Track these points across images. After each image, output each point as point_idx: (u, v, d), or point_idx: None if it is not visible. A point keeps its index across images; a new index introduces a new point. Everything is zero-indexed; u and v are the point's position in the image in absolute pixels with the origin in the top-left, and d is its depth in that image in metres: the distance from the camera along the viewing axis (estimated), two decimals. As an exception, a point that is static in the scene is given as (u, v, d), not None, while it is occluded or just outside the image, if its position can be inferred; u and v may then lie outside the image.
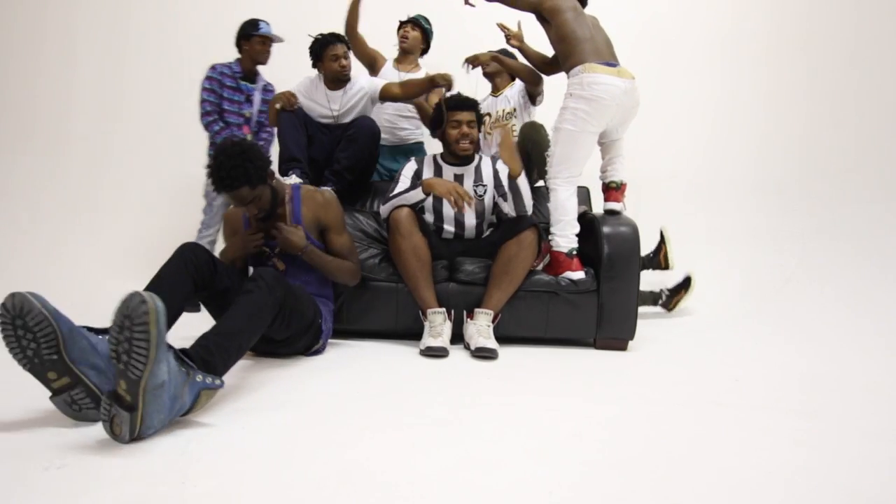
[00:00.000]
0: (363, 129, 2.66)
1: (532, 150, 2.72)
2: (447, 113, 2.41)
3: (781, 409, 1.57)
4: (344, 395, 1.53)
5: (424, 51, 3.30)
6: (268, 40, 2.99)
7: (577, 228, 2.38)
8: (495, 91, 3.10)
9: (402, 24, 3.23)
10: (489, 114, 3.05)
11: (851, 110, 3.77)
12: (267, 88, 3.15)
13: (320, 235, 2.03)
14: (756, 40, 3.84)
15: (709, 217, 3.72)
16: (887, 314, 3.02)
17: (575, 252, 2.35)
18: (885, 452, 1.26)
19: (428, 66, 3.23)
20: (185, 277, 1.60)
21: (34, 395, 1.36)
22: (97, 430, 1.17)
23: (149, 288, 1.52)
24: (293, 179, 2.55)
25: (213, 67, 2.99)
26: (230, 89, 2.99)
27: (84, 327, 1.25)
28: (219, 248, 2.89)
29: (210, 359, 1.28)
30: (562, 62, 2.42)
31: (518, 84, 2.99)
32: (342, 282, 2.09)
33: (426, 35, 3.26)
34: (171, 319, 1.52)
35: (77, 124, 3.92)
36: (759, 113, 3.83)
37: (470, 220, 2.42)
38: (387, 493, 0.95)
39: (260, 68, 3.08)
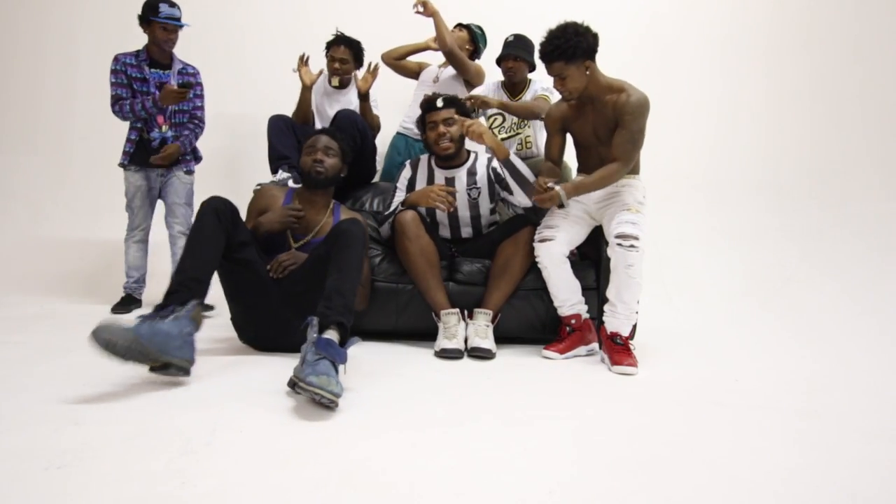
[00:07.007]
0: (343, 121, 2.59)
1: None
2: (425, 116, 2.36)
3: (781, 409, 1.57)
4: (343, 396, 1.53)
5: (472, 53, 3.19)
6: (169, 26, 2.63)
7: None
8: (514, 94, 2.97)
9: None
10: (502, 114, 2.96)
11: (853, 110, 3.77)
12: (186, 72, 2.82)
13: None
14: (758, 40, 3.84)
15: (709, 217, 3.72)
16: (887, 313, 3.03)
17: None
18: (885, 452, 1.26)
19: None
20: (220, 233, 1.69)
21: (34, 395, 1.37)
22: (97, 431, 1.17)
23: (190, 245, 1.65)
24: (282, 175, 2.56)
25: (116, 59, 2.68)
26: (137, 80, 2.67)
27: (143, 316, 1.44)
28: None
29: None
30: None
31: (532, 91, 2.91)
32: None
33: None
34: (211, 273, 1.66)
35: (78, 125, 3.92)
36: (760, 113, 3.84)
37: (464, 221, 2.41)
38: (387, 493, 0.96)
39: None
